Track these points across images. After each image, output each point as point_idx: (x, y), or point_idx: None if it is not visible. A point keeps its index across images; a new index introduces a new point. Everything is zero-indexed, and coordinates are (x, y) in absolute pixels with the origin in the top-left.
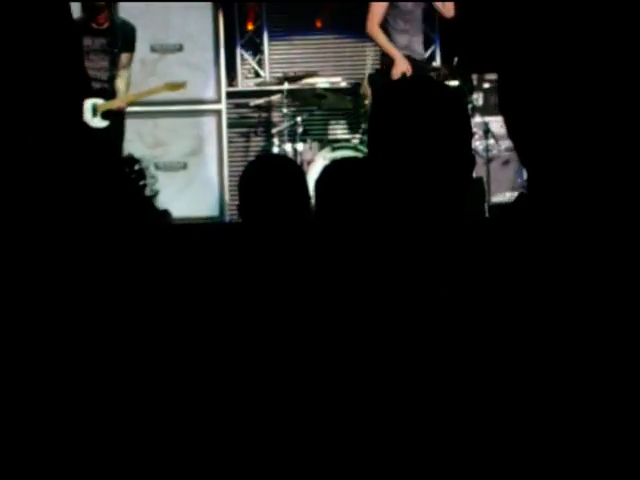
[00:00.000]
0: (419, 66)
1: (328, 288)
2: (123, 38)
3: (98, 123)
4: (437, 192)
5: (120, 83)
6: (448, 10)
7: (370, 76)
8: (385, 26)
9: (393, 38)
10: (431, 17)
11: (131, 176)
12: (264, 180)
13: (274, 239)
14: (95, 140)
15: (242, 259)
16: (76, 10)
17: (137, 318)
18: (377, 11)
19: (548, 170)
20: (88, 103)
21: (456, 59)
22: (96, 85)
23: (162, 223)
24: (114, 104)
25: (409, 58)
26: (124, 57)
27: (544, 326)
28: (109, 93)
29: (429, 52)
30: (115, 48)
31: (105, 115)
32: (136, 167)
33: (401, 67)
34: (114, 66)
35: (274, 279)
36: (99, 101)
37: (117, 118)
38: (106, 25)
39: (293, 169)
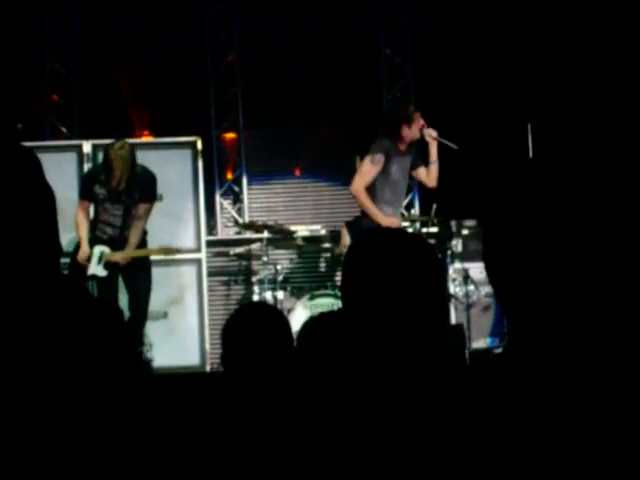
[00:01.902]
0: None
1: (306, 439)
2: (140, 189)
3: (100, 272)
4: (413, 342)
5: (132, 234)
6: (431, 180)
7: (348, 223)
8: (372, 193)
9: (378, 207)
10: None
11: (128, 340)
12: (247, 329)
13: (257, 389)
14: (79, 295)
15: (224, 410)
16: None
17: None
18: (367, 174)
19: (530, 319)
20: (97, 250)
21: (435, 206)
22: (109, 231)
23: (147, 376)
24: (115, 256)
25: None
26: (141, 207)
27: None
28: (120, 241)
29: (407, 200)
30: (131, 199)
31: (107, 265)
32: (133, 333)
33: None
34: (128, 215)
35: (255, 430)
36: (106, 250)
37: (143, 268)
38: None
39: (277, 318)
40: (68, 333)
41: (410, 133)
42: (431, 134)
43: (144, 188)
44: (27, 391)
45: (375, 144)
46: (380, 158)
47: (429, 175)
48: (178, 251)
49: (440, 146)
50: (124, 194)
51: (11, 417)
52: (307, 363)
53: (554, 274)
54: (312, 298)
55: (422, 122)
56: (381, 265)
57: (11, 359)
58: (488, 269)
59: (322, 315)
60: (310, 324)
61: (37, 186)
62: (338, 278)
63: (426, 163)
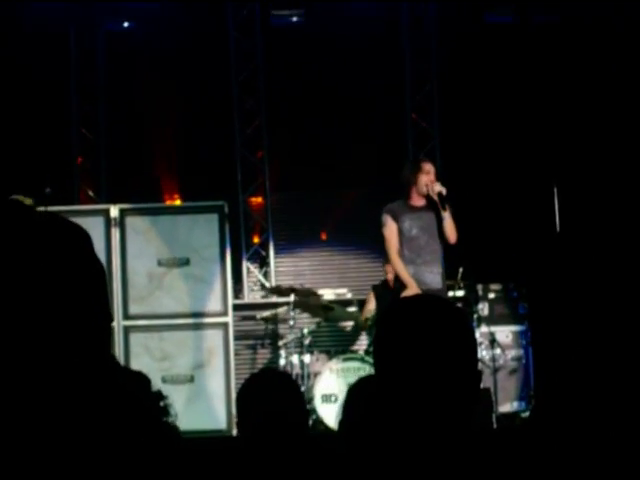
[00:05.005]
0: None
1: None
2: None
3: None
4: (446, 409)
5: None
6: (447, 236)
7: (374, 287)
8: (400, 254)
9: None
10: None
11: (156, 412)
12: (259, 398)
13: (270, 454)
14: (122, 372)
15: (237, 474)
16: None
17: None
18: (390, 238)
19: (564, 384)
20: None
21: (461, 270)
22: None
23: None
24: None
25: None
26: None
27: None
28: None
29: None
30: None
31: None
32: (162, 403)
33: (408, 293)
34: None
35: None
36: None
37: None
38: None
39: (289, 385)
40: (96, 402)
41: (416, 189)
42: (433, 189)
43: None
44: (54, 455)
45: None
46: (386, 219)
47: (445, 232)
48: None
49: (463, 202)
50: None
51: None
52: (353, 427)
53: (590, 339)
54: (339, 362)
55: (430, 177)
56: (414, 332)
57: (55, 426)
58: (532, 331)
59: (366, 378)
60: (355, 388)
61: (88, 261)
62: (364, 342)
63: None
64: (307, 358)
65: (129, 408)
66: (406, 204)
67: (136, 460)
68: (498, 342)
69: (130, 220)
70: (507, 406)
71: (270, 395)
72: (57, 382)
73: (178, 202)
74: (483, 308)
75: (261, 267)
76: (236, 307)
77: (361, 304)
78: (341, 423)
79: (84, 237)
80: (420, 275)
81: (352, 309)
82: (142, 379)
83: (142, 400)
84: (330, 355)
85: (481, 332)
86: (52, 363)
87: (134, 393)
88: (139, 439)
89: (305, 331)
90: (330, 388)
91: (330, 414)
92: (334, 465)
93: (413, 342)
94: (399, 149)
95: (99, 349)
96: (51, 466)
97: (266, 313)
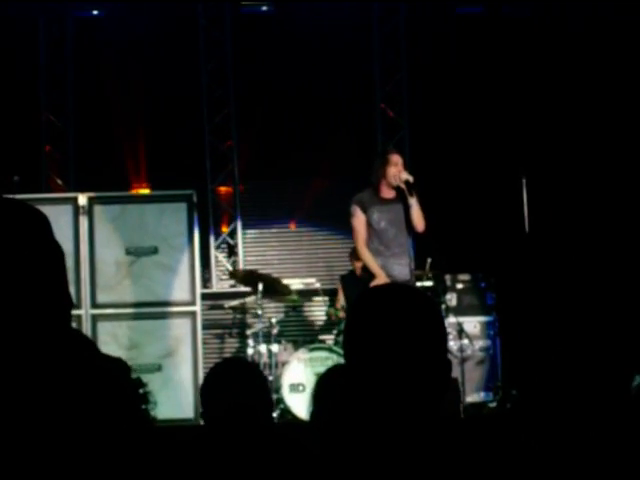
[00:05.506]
0: None
1: None
2: None
3: None
4: (416, 398)
5: None
6: (415, 225)
7: (343, 277)
8: (368, 245)
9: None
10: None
11: (135, 399)
12: (222, 388)
13: (233, 443)
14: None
15: (202, 464)
16: None
17: None
18: (359, 229)
19: (536, 372)
20: None
21: (429, 260)
22: None
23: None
24: None
25: None
26: None
27: None
28: None
29: None
30: None
31: None
32: (141, 391)
33: (377, 283)
34: None
35: None
36: None
37: None
38: None
39: (252, 374)
40: (77, 387)
41: (386, 181)
42: (400, 177)
43: None
44: (36, 441)
45: None
46: (354, 210)
47: (412, 219)
48: None
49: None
50: None
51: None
52: (325, 417)
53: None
54: (306, 351)
55: (398, 168)
56: (384, 321)
57: (22, 412)
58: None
59: (334, 368)
60: (324, 378)
61: (46, 244)
62: (332, 332)
63: None
64: (275, 347)
65: (108, 392)
66: (375, 195)
67: (112, 444)
68: (466, 332)
69: (98, 208)
70: (474, 396)
71: (233, 385)
72: (18, 359)
73: (146, 191)
74: (451, 298)
75: (229, 256)
76: (204, 296)
77: (329, 293)
78: (312, 414)
79: (41, 220)
80: (388, 267)
81: (320, 298)
82: (122, 366)
83: (122, 386)
84: (298, 345)
85: (449, 322)
86: (11, 340)
87: (114, 378)
88: (117, 423)
89: (273, 320)
90: (298, 378)
91: (298, 403)
92: (300, 454)
93: (383, 331)
94: (368, 139)
95: (58, 326)
96: (23, 444)
97: (234, 302)
